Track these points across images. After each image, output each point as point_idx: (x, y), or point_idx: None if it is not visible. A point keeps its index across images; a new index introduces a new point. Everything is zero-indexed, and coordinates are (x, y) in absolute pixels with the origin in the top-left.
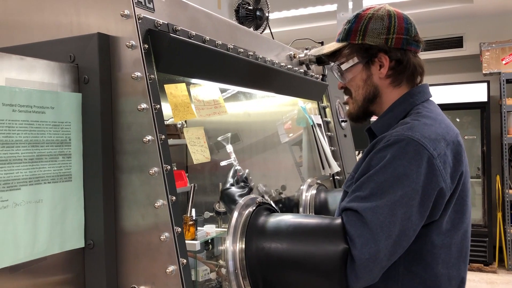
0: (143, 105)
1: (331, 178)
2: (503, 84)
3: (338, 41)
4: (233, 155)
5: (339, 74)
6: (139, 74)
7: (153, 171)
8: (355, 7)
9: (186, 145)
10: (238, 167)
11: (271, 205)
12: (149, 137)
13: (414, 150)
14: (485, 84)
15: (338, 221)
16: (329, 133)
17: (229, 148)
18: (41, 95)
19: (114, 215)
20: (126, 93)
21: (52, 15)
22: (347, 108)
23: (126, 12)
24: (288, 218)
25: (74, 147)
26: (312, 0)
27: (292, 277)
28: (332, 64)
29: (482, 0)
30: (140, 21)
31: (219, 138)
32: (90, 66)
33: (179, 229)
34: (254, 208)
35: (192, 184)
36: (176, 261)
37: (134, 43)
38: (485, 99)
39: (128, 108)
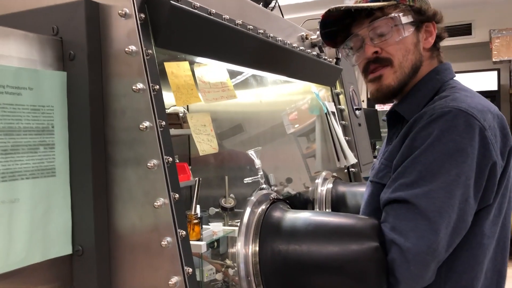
0: (140, 85)
1: (346, 171)
2: None
3: (376, 0)
4: (260, 172)
5: (385, 32)
6: (134, 48)
7: (152, 164)
8: None
9: (189, 135)
10: (264, 186)
11: (286, 201)
12: (146, 124)
13: (464, 122)
14: (495, 73)
15: (372, 220)
16: (343, 122)
17: (258, 163)
18: (16, 73)
19: (106, 217)
20: (119, 71)
21: None
22: (381, 81)
23: None
24: (315, 217)
25: (58, 135)
26: None
27: (316, 285)
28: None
29: None
30: None
31: (249, 152)
32: (77, 39)
33: (184, 232)
34: (268, 205)
35: (197, 178)
36: (180, 271)
37: (128, 11)
38: (495, 87)
39: (121, 89)
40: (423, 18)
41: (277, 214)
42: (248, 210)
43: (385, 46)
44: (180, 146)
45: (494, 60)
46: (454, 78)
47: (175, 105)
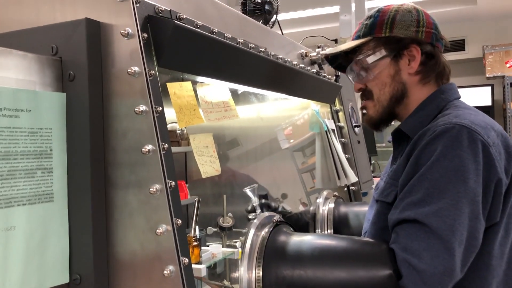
0: (142, 107)
1: (346, 189)
2: (508, 88)
3: (358, 37)
4: (258, 210)
5: (361, 71)
6: (137, 69)
7: (155, 189)
8: (358, 8)
9: (185, 152)
10: None
11: (290, 224)
12: (149, 147)
13: (468, 138)
14: (489, 88)
15: (382, 244)
16: (343, 139)
17: (255, 201)
18: (14, 95)
19: (106, 244)
20: (121, 92)
21: None
22: (366, 112)
23: None
24: (321, 241)
25: (57, 159)
26: (319, 1)
27: None
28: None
29: (485, 2)
30: (138, 5)
31: (245, 189)
32: (77, 59)
33: (187, 260)
34: (271, 228)
35: (197, 198)
36: None
37: (130, 31)
38: (489, 103)
39: (123, 111)
40: (401, 45)
41: (281, 237)
42: (251, 233)
43: (366, 82)
44: (176, 163)
45: (487, 75)
46: (460, 99)
47: (172, 122)
